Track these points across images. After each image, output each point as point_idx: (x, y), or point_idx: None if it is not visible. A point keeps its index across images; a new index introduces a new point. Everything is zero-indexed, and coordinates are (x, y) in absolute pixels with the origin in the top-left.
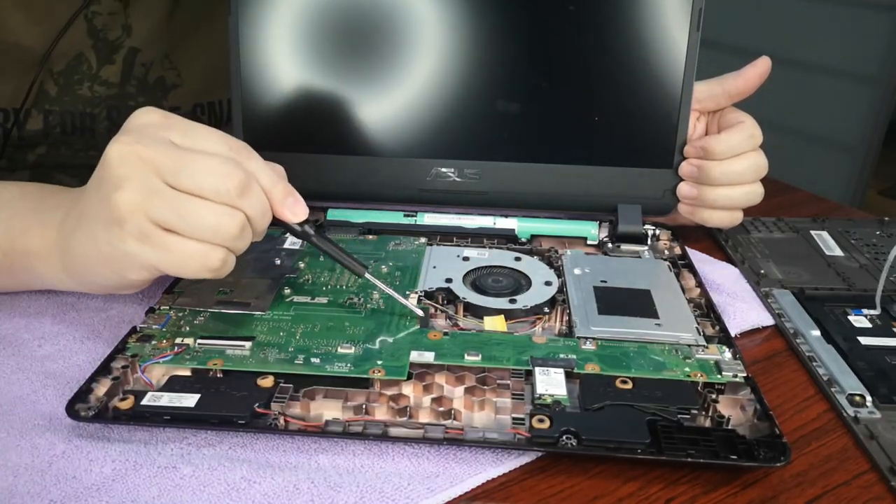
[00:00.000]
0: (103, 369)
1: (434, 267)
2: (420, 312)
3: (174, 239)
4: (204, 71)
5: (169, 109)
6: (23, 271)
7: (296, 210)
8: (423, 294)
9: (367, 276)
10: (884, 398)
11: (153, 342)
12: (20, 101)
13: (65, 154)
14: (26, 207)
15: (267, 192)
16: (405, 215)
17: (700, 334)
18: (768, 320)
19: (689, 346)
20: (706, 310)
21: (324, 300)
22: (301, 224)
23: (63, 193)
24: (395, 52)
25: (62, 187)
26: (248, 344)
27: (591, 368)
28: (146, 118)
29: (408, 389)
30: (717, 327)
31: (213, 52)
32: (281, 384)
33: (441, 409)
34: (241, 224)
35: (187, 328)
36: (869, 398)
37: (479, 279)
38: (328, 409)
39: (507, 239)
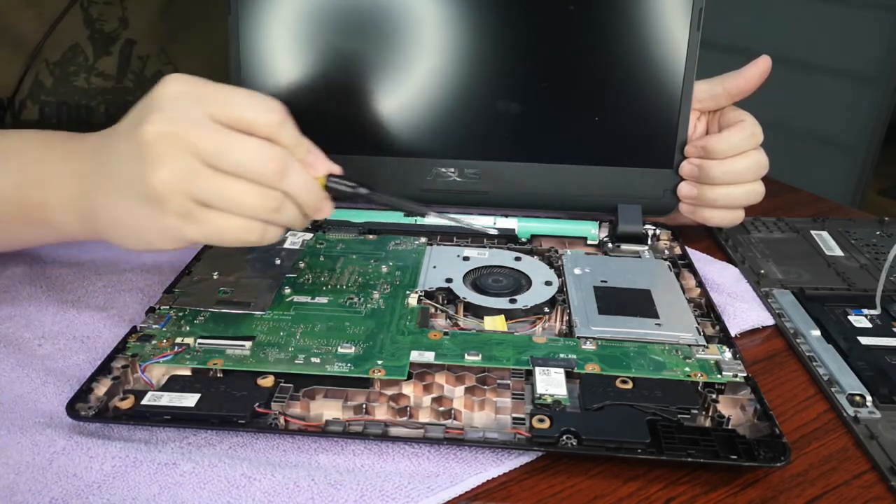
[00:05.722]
0: (103, 369)
1: (434, 267)
2: (494, 231)
3: (214, 215)
4: (202, 67)
5: None
6: (39, 223)
7: (317, 166)
8: (423, 294)
9: (431, 214)
10: (884, 398)
11: (153, 342)
12: (13, 90)
13: None
14: (35, 157)
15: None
16: (405, 215)
17: (700, 334)
18: (768, 320)
19: (689, 345)
20: (706, 310)
21: (324, 300)
22: (345, 184)
23: (74, 141)
24: (395, 51)
25: (69, 134)
26: (248, 344)
27: (592, 368)
28: (176, 88)
29: (408, 389)
30: (717, 327)
31: (211, 48)
32: (281, 384)
33: (441, 408)
34: (279, 202)
35: (187, 328)
36: (869, 398)
37: (479, 279)
38: (328, 409)
39: (507, 239)
